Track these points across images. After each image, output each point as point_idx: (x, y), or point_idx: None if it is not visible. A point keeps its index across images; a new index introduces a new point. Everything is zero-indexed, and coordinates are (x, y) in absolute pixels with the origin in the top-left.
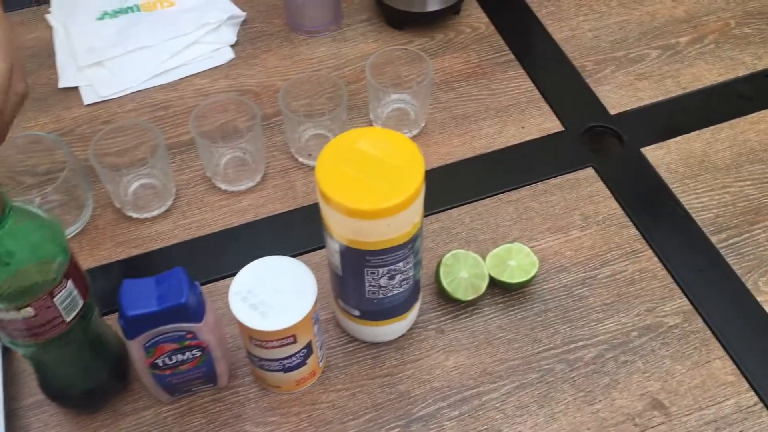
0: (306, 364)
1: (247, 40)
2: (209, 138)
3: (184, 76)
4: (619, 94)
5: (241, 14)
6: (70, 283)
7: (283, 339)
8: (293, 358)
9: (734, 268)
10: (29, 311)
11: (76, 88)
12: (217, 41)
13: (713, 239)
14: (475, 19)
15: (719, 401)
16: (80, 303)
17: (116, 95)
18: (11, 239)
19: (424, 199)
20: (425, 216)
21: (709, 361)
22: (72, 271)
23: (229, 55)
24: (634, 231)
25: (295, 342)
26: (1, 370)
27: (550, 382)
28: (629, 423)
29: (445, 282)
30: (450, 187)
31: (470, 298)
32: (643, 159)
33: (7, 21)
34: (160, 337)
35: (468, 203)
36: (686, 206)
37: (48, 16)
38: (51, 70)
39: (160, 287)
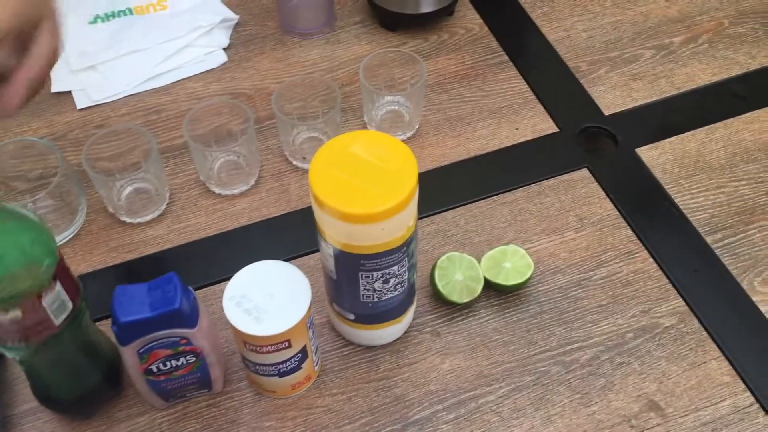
0: (301, 368)
1: (240, 43)
2: (203, 142)
3: (177, 79)
4: (613, 95)
5: (234, 17)
6: (59, 286)
7: (277, 344)
8: (288, 363)
9: (729, 268)
10: (17, 313)
11: (68, 93)
12: (210, 44)
13: (708, 239)
14: (469, 21)
15: (715, 402)
16: (70, 306)
17: (109, 99)
18: None
19: (419, 201)
20: (419, 218)
21: (705, 362)
22: (61, 273)
23: (222, 58)
24: (629, 232)
25: (289, 347)
26: None
27: (546, 384)
28: (625, 425)
29: (440, 285)
30: (444, 189)
31: (465, 300)
32: (638, 159)
33: None
34: (154, 343)
35: (462, 205)
36: (681, 206)
37: None
38: None
39: (153, 293)
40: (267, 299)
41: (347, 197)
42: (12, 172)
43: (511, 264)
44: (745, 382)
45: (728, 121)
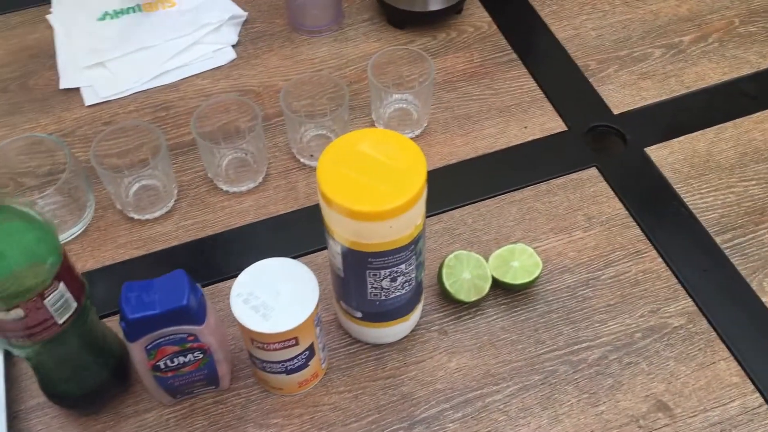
0: (308, 366)
1: (248, 40)
2: (211, 139)
3: (186, 76)
4: (622, 94)
5: (243, 14)
6: (62, 286)
7: (285, 341)
8: (295, 361)
9: (739, 268)
10: (19, 312)
11: (77, 89)
12: (218, 41)
13: (718, 239)
14: (478, 19)
15: (724, 403)
16: (74, 306)
17: (117, 96)
18: (0, 238)
19: (426, 199)
20: (427, 217)
21: (714, 363)
22: (64, 273)
23: (230, 55)
24: (637, 231)
25: (297, 344)
26: (3, 373)
27: (553, 383)
28: (634, 425)
29: (447, 283)
30: (452, 187)
31: (473, 299)
32: (647, 159)
33: None
34: (162, 339)
35: (470, 204)
36: (690, 206)
37: (49, 17)
38: (52, 71)
39: (161, 289)
40: (274, 297)
41: (355, 195)
42: (20, 168)
43: (519, 263)
44: (754, 383)
45: (738, 120)
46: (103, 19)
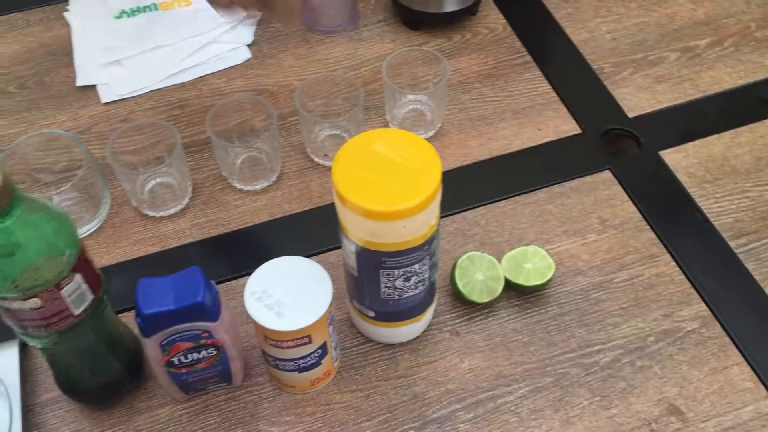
0: (321, 364)
1: (263, 40)
2: (225, 137)
3: (201, 75)
4: (637, 97)
5: (258, 14)
6: (78, 277)
7: (298, 339)
8: (308, 359)
9: (753, 273)
10: (36, 302)
11: (93, 87)
12: (233, 41)
13: (732, 244)
14: (492, 20)
15: (737, 408)
16: (90, 297)
17: (133, 94)
18: (19, 230)
19: (440, 200)
20: (441, 217)
21: (727, 367)
22: (81, 265)
23: (245, 54)
24: (651, 235)
25: (310, 342)
26: (18, 367)
27: (565, 386)
28: (646, 428)
29: (460, 284)
30: (466, 188)
31: (485, 300)
32: (662, 162)
33: None
34: (176, 335)
35: (484, 205)
36: (705, 210)
37: (66, 14)
38: (69, 68)
39: (176, 286)
40: (288, 295)
41: (370, 194)
42: (37, 164)
43: (532, 265)
44: (767, 389)
45: (754, 125)
46: (119, 17)
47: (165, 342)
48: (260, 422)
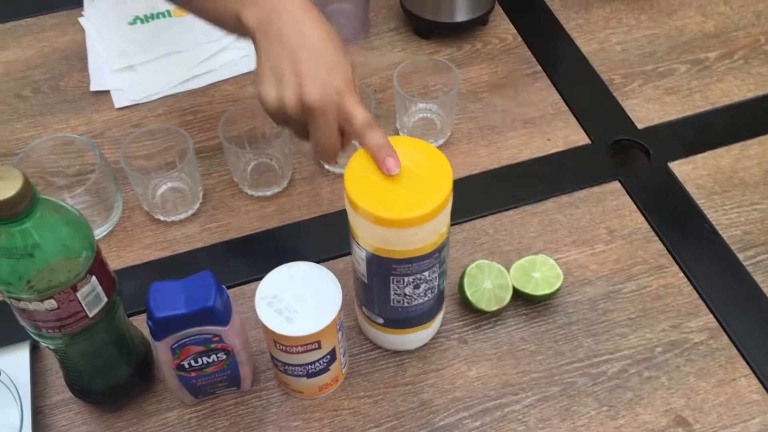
0: (329, 370)
1: None
2: (237, 143)
3: (214, 81)
4: (646, 108)
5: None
6: (94, 279)
7: (307, 344)
8: (317, 364)
9: (761, 285)
10: (52, 303)
11: (107, 92)
12: (246, 48)
13: (740, 256)
14: (503, 31)
15: (744, 419)
16: (104, 299)
17: (146, 99)
18: (38, 231)
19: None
20: (450, 226)
21: (734, 379)
22: (97, 267)
23: None
24: (659, 246)
25: (319, 348)
26: (29, 369)
27: (572, 395)
28: None
29: (468, 292)
30: (475, 197)
31: (494, 308)
32: (671, 174)
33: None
34: (187, 339)
35: (493, 214)
36: (713, 222)
37: (81, 20)
38: (83, 73)
39: (188, 290)
40: (298, 300)
41: (382, 201)
42: (51, 167)
43: (541, 274)
44: None
45: (763, 137)
46: (133, 23)
47: (176, 345)
48: (268, 427)
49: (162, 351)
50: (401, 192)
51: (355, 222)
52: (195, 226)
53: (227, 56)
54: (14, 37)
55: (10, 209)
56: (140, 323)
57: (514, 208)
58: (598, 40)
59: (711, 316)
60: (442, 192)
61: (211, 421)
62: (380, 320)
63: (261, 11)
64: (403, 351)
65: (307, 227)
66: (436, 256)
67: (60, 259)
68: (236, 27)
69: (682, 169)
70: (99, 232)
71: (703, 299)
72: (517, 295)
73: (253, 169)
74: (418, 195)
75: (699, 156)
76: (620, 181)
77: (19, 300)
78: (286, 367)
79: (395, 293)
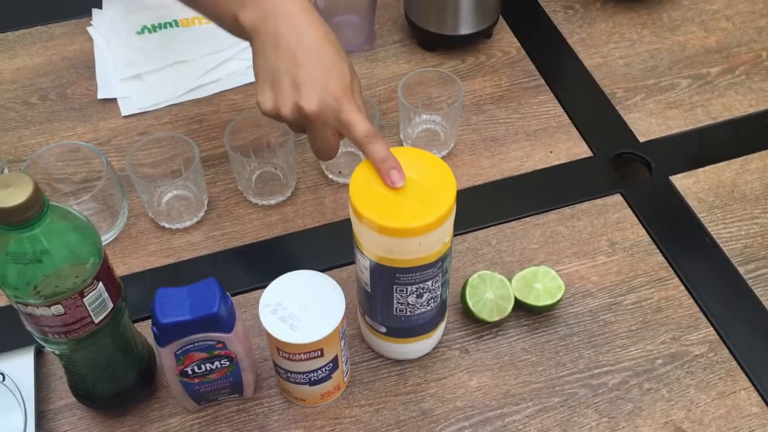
0: (331, 378)
1: None
2: (242, 152)
3: (219, 91)
4: (648, 122)
5: None
6: (100, 285)
7: (310, 352)
8: (319, 372)
9: (762, 299)
10: (59, 308)
11: (114, 100)
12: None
13: (741, 270)
14: (507, 44)
15: None
16: (110, 306)
17: (153, 108)
18: (46, 238)
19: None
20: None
21: (734, 392)
22: (103, 273)
23: None
24: (660, 258)
25: (322, 356)
26: (33, 373)
27: (573, 406)
28: None
29: (470, 302)
30: (478, 208)
31: (495, 319)
32: (672, 187)
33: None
34: (191, 345)
35: (495, 225)
36: (714, 236)
37: (89, 29)
38: (90, 81)
39: (193, 296)
40: (302, 308)
41: (386, 211)
42: (57, 174)
43: (542, 285)
44: None
45: (764, 152)
46: (141, 32)
47: (179, 351)
48: None
49: (166, 357)
50: (405, 202)
51: (360, 231)
52: (199, 233)
53: (233, 66)
54: (23, 45)
55: (19, 215)
56: (144, 329)
57: (517, 219)
58: (601, 54)
59: (711, 328)
60: (446, 202)
61: (213, 428)
62: (383, 329)
63: (258, 12)
64: (405, 360)
65: (311, 236)
66: (439, 265)
67: (68, 265)
68: (234, 27)
69: (684, 182)
70: (104, 239)
71: (703, 312)
72: (519, 306)
73: (258, 177)
74: (422, 205)
75: (700, 170)
76: (622, 194)
77: (26, 305)
78: (289, 374)
79: (398, 302)
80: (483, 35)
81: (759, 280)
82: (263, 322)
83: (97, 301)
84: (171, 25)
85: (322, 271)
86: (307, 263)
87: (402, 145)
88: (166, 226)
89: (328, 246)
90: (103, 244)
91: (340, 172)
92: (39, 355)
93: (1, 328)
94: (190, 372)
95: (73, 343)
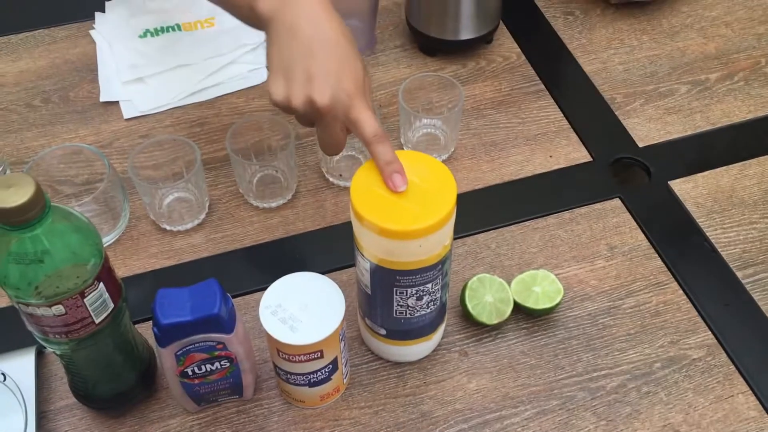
0: (331, 379)
1: None
2: (243, 155)
3: (221, 94)
4: (647, 128)
5: None
6: (101, 286)
7: (310, 354)
8: (319, 373)
9: (760, 304)
10: (60, 309)
11: (116, 103)
12: (254, 62)
13: (739, 274)
14: (507, 49)
15: None
16: (111, 306)
17: (155, 111)
18: (48, 238)
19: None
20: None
21: (732, 396)
22: (104, 274)
23: (265, 75)
24: (659, 263)
25: (321, 357)
26: (34, 374)
27: (571, 409)
28: None
29: (470, 305)
30: (477, 212)
31: (494, 322)
32: (671, 192)
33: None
34: (191, 346)
35: (495, 229)
36: (713, 240)
37: (92, 32)
38: (92, 84)
39: (194, 297)
40: (302, 309)
41: (387, 213)
42: (59, 176)
43: (541, 288)
44: None
45: (762, 158)
46: (144, 36)
47: (180, 352)
48: None
49: (166, 358)
50: (406, 204)
51: (360, 233)
52: (200, 236)
53: (235, 70)
54: (26, 48)
55: (21, 215)
56: (145, 331)
57: (516, 223)
58: (600, 59)
59: (709, 332)
60: (446, 205)
61: (212, 429)
62: (383, 331)
63: (276, 1)
64: (404, 362)
65: (311, 239)
66: (439, 268)
67: (69, 265)
68: (250, 16)
69: (683, 187)
70: (106, 241)
71: (701, 316)
72: (518, 309)
73: (259, 180)
74: (423, 208)
75: (699, 175)
76: (621, 199)
77: (27, 305)
78: (289, 375)
79: (398, 304)
80: (483, 40)
81: (757, 285)
82: (263, 323)
83: (98, 302)
84: (173, 29)
85: (322, 273)
86: (307, 266)
87: (402, 148)
88: (168, 228)
89: (328, 249)
90: (105, 245)
91: (340, 176)
92: (40, 355)
93: (2, 329)
94: (190, 373)
95: (74, 343)
